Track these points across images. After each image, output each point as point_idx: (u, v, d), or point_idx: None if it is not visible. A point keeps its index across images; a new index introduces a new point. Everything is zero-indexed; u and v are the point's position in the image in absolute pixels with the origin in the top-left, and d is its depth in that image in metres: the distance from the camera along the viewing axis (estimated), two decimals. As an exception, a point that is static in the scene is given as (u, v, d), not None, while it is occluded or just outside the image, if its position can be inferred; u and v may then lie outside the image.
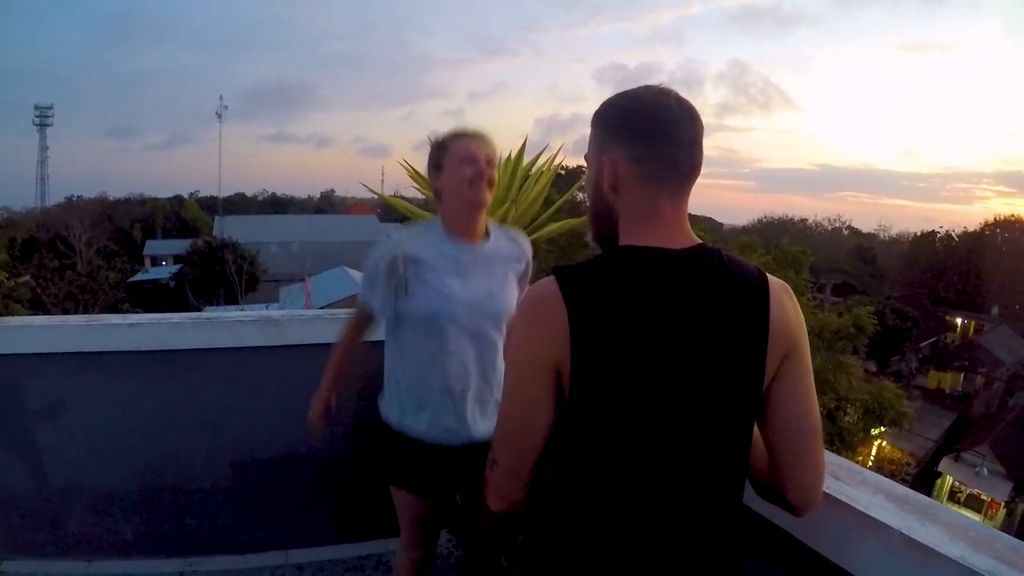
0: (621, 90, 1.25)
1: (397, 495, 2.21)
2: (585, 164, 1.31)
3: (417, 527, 2.24)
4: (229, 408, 3.20)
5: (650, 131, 1.19)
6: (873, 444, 23.87)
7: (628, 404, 1.15)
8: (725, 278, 1.17)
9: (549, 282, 1.17)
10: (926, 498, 1.47)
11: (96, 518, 3.18)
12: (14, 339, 3.02)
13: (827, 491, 1.41)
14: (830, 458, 1.63)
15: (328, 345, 2.66)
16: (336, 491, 3.29)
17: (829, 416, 14.18)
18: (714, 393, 1.17)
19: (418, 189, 3.43)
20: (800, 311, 1.28)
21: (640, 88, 1.23)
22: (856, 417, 14.53)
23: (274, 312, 3.39)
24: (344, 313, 3.16)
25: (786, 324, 1.20)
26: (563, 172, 29.47)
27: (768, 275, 1.23)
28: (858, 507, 1.38)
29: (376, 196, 3.40)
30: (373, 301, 2.09)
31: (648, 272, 1.16)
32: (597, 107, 1.27)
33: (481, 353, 2.04)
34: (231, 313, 3.39)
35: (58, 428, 3.07)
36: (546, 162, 3.35)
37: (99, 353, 3.05)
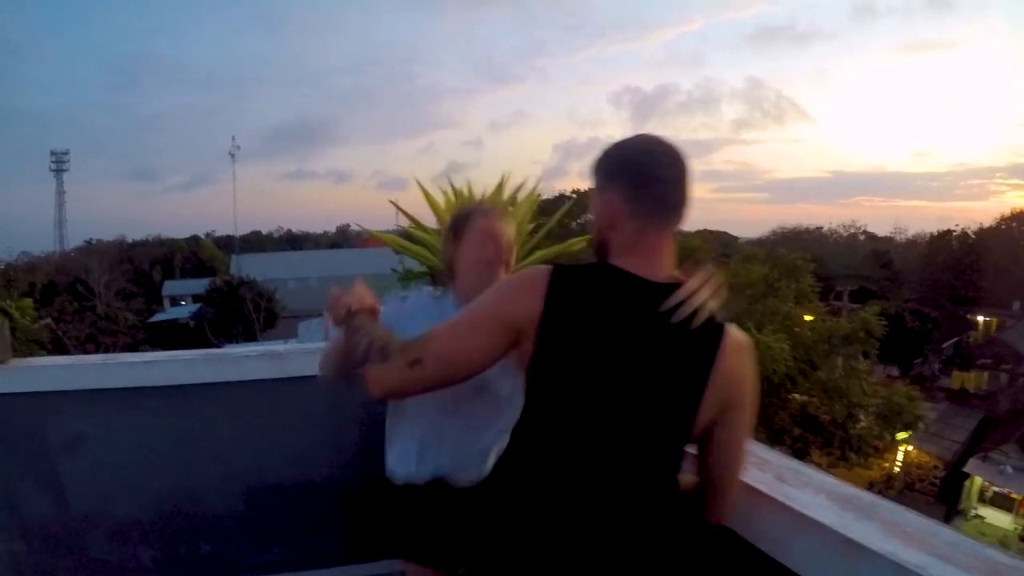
0: (628, 135, 1.47)
1: (407, 568, 2.24)
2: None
3: None
4: (240, 438, 3.34)
5: (640, 175, 1.40)
6: (898, 449, 23.62)
7: (573, 394, 1.36)
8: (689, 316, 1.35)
9: (544, 269, 1.38)
10: (871, 497, 1.54)
11: (115, 545, 3.32)
12: (36, 378, 3.18)
13: (769, 493, 1.53)
14: (778, 460, 1.76)
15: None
16: (344, 515, 3.41)
17: (841, 425, 14.10)
18: (647, 412, 1.37)
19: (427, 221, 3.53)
20: (752, 371, 1.46)
21: (633, 137, 1.46)
22: (869, 423, 14.43)
23: (278, 346, 3.54)
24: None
25: (731, 379, 1.40)
26: (575, 195, 29.45)
27: (732, 330, 1.42)
28: (797, 507, 1.47)
29: (399, 228, 3.50)
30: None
31: (622, 290, 1.36)
32: (599, 153, 1.48)
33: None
34: (239, 348, 3.54)
35: (79, 460, 3.22)
36: (526, 197, 3.47)
37: (116, 389, 3.20)
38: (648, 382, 1.36)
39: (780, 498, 1.52)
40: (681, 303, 1.35)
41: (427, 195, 3.46)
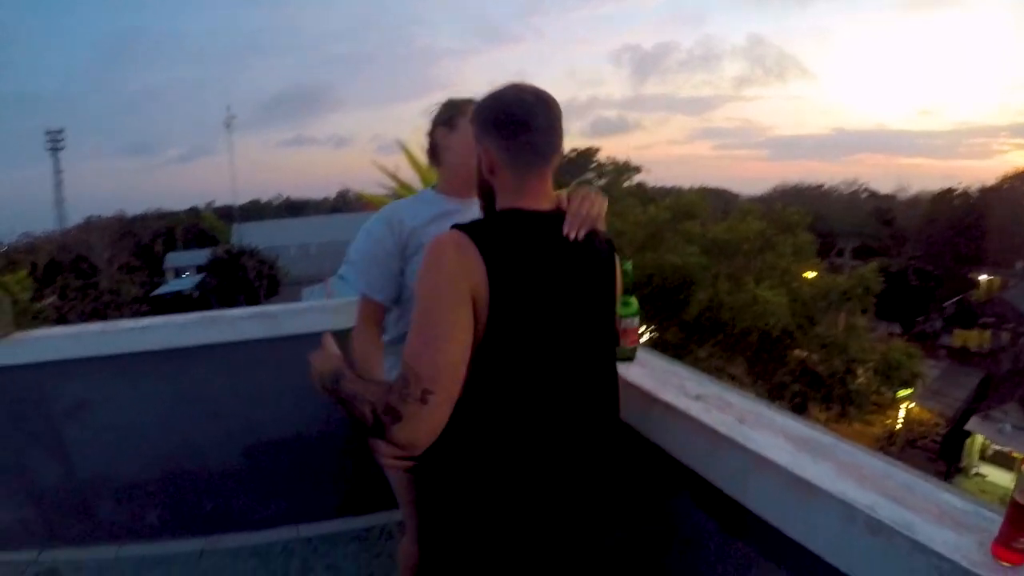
0: (500, 88, 1.55)
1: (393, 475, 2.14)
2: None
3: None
4: (237, 397, 3.44)
5: (512, 125, 1.48)
6: (900, 407, 23.69)
7: (534, 328, 1.46)
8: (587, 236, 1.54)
9: (458, 233, 1.42)
10: (830, 439, 1.60)
11: (123, 506, 3.45)
12: (38, 348, 3.29)
13: (728, 434, 1.60)
14: (741, 403, 1.83)
15: (320, 334, 2.94)
16: (341, 468, 3.52)
17: (840, 379, 14.13)
18: (593, 323, 1.57)
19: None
20: None
21: (504, 87, 1.53)
22: (868, 379, 14.47)
23: (270, 307, 3.61)
24: (335, 303, 3.40)
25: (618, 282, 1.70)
26: (575, 155, 29.25)
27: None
28: (753, 447, 1.52)
29: (390, 190, 3.52)
30: (373, 288, 2.01)
31: (533, 228, 1.50)
32: (476, 103, 1.57)
33: None
34: (232, 311, 3.62)
35: (83, 426, 3.34)
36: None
37: (115, 355, 3.30)
38: (584, 299, 1.54)
39: (739, 439, 1.57)
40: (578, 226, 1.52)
41: (410, 156, 3.50)
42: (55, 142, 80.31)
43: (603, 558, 1.62)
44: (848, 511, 1.27)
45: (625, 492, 1.74)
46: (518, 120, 1.47)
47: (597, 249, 1.59)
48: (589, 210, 1.55)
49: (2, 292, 3.22)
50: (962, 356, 32.01)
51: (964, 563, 1.09)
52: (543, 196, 1.55)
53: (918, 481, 1.38)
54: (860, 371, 14.47)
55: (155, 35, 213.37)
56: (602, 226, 1.67)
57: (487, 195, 1.59)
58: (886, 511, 1.24)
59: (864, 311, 15.54)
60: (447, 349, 1.35)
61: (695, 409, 1.78)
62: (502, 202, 1.55)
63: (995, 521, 1.18)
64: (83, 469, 3.41)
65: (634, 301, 2.12)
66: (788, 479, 1.42)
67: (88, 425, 3.36)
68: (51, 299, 27.22)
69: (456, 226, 1.46)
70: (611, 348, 1.67)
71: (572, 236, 1.50)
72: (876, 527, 1.22)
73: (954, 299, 38.32)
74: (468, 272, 1.38)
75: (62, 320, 25.56)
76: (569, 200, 1.57)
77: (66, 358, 3.29)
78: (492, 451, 1.48)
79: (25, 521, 3.44)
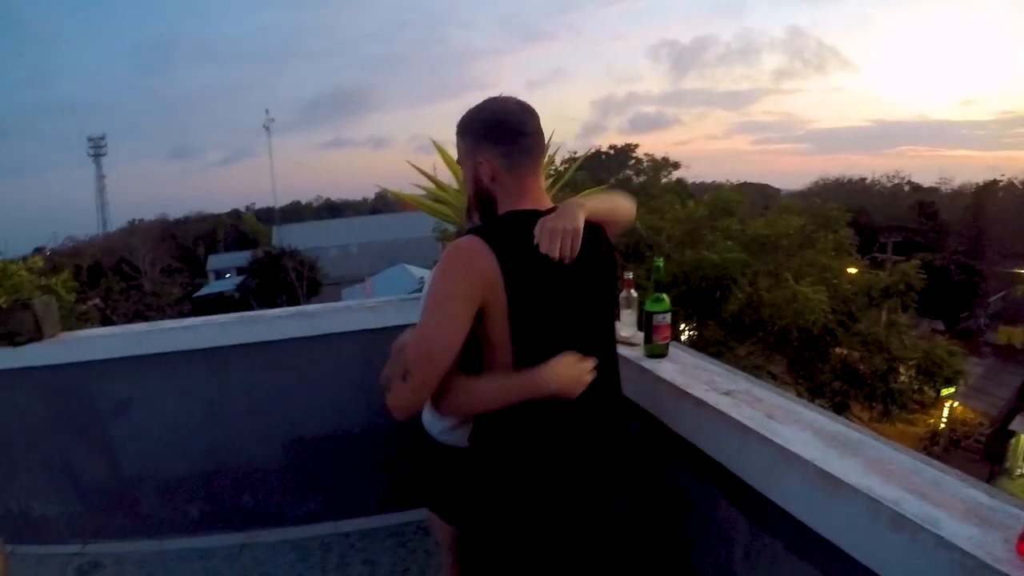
0: (485, 98, 1.70)
1: (432, 518, 2.26)
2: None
3: (452, 550, 2.25)
4: (277, 394, 3.50)
5: (508, 132, 1.62)
6: (944, 406, 23.24)
7: (553, 324, 1.59)
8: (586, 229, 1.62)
9: (476, 240, 1.53)
10: (858, 435, 1.60)
11: (165, 501, 3.53)
12: (84, 348, 3.38)
13: (756, 428, 1.61)
14: (771, 399, 1.84)
15: (358, 332, 3.26)
16: (379, 465, 3.57)
17: (882, 377, 13.90)
18: (597, 309, 1.69)
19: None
20: None
21: (489, 101, 1.68)
22: (909, 377, 14.23)
23: (309, 306, 3.68)
24: (372, 302, 3.46)
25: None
26: (612, 152, 29.08)
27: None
28: (780, 442, 1.54)
29: (423, 190, 3.54)
30: None
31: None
32: (462, 121, 1.69)
33: None
34: (272, 310, 3.69)
35: (128, 423, 3.43)
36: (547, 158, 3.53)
37: (159, 354, 3.38)
38: (590, 289, 1.66)
39: (767, 434, 1.59)
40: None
41: (443, 154, 3.53)
42: (97, 148, 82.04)
43: (616, 526, 1.76)
44: (874, 507, 1.28)
45: (631, 462, 1.87)
46: (513, 127, 1.62)
47: (598, 243, 1.69)
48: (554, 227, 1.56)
49: (49, 295, 3.31)
50: (1007, 354, 31.27)
51: (988, 559, 1.09)
52: (541, 195, 1.69)
53: (945, 477, 1.38)
54: (902, 369, 14.23)
55: (194, 40, 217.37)
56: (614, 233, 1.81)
57: (486, 204, 1.70)
58: (912, 507, 1.25)
59: (906, 308, 15.23)
60: (436, 343, 1.51)
61: (724, 404, 1.80)
62: (505, 206, 1.66)
63: (1021, 518, 1.19)
64: (127, 465, 3.50)
65: (665, 298, 2.14)
66: (815, 474, 1.43)
67: (132, 422, 3.45)
68: (95, 301, 27.76)
69: (472, 231, 1.57)
70: (612, 333, 1.79)
71: (553, 255, 1.54)
72: (901, 523, 1.23)
73: (999, 295, 37.53)
74: (482, 277, 1.51)
75: (106, 321, 26.08)
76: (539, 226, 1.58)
77: (111, 357, 3.38)
78: (524, 429, 1.63)
79: (70, 515, 3.54)
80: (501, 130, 1.62)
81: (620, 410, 1.79)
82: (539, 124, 1.67)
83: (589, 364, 1.60)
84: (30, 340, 3.30)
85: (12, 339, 3.29)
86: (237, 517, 3.59)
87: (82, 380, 3.41)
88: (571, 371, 1.57)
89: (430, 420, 2.09)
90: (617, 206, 1.81)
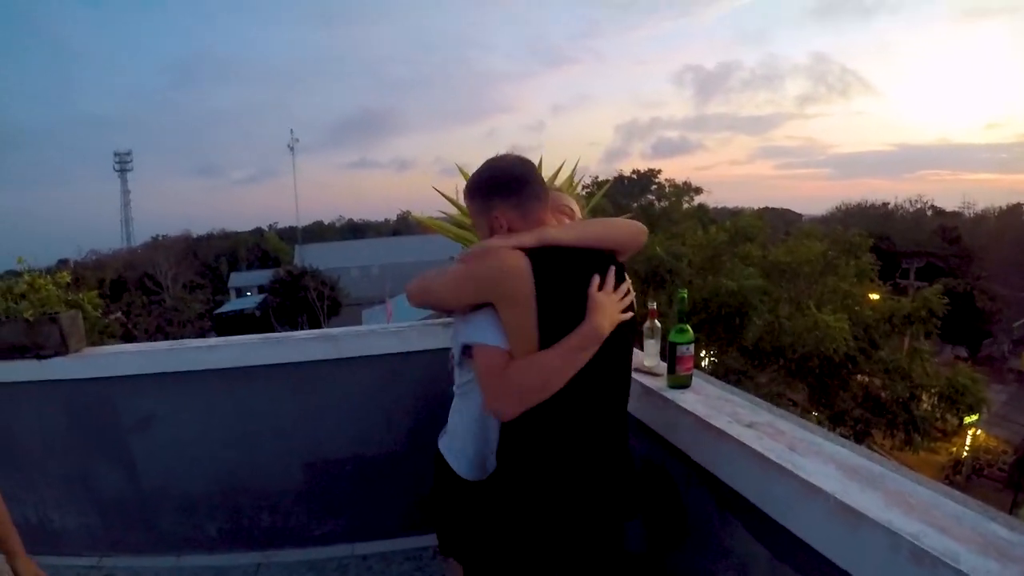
0: (495, 155, 1.90)
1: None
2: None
3: None
4: (299, 416, 3.51)
5: (514, 185, 1.79)
6: (966, 433, 22.94)
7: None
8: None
9: (522, 258, 1.69)
10: (880, 468, 1.59)
11: (184, 517, 3.55)
12: (109, 363, 3.42)
13: (778, 461, 1.61)
14: (793, 431, 1.84)
15: (381, 356, 3.28)
16: (398, 488, 3.57)
17: (904, 405, 13.77)
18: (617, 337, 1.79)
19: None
20: None
21: (490, 161, 1.86)
22: (932, 405, 14.09)
23: (333, 329, 3.71)
24: (396, 327, 3.48)
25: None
26: (635, 177, 29.07)
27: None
28: (802, 475, 1.53)
29: (446, 215, 3.57)
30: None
31: (561, 258, 1.74)
32: (469, 184, 1.87)
33: None
34: (296, 332, 3.73)
35: (149, 439, 3.46)
36: (564, 181, 3.54)
37: (182, 372, 3.42)
38: None
39: (788, 466, 1.59)
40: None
41: (467, 177, 3.55)
42: (123, 163, 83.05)
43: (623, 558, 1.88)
44: (894, 540, 1.28)
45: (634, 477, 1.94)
46: (518, 179, 1.79)
47: (617, 268, 1.82)
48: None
49: (76, 309, 3.36)
50: (1031, 380, 30.88)
51: (1006, 594, 1.09)
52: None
53: (966, 511, 1.37)
54: (924, 397, 14.11)
55: (221, 59, 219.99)
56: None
57: None
58: (931, 540, 1.25)
59: (928, 334, 15.11)
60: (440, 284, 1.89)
61: (747, 436, 1.80)
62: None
63: (1041, 552, 1.18)
64: (147, 481, 3.53)
65: (689, 329, 2.15)
66: (836, 507, 1.43)
67: (154, 438, 3.48)
68: (117, 315, 28.01)
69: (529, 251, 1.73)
70: (628, 356, 1.91)
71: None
72: (921, 556, 1.23)
73: (1023, 320, 37.09)
74: (522, 285, 1.69)
75: (127, 335, 26.29)
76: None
77: (135, 373, 3.42)
78: (548, 461, 1.78)
79: (88, 528, 3.57)
80: (508, 184, 1.79)
81: (624, 436, 1.91)
82: (538, 172, 1.84)
83: (619, 294, 1.78)
84: (56, 354, 3.35)
85: (38, 352, 3.33)
86: (255, 536, 3.60)
87: (105, 395, 3.44)
88: (612, 305, 1.75)
89: (447, 448, 2.10)
90: (610, 233, 1.88)
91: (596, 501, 1.80)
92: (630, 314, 1.80)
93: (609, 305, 1.73)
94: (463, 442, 2.02)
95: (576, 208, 2.12)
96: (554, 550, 1.80)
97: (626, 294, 1.80)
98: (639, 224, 1.93)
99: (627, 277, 1.86)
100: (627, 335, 1.83)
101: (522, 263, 1.68)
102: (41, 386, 3.38)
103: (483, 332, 1.75)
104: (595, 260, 1.79)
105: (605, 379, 1.79)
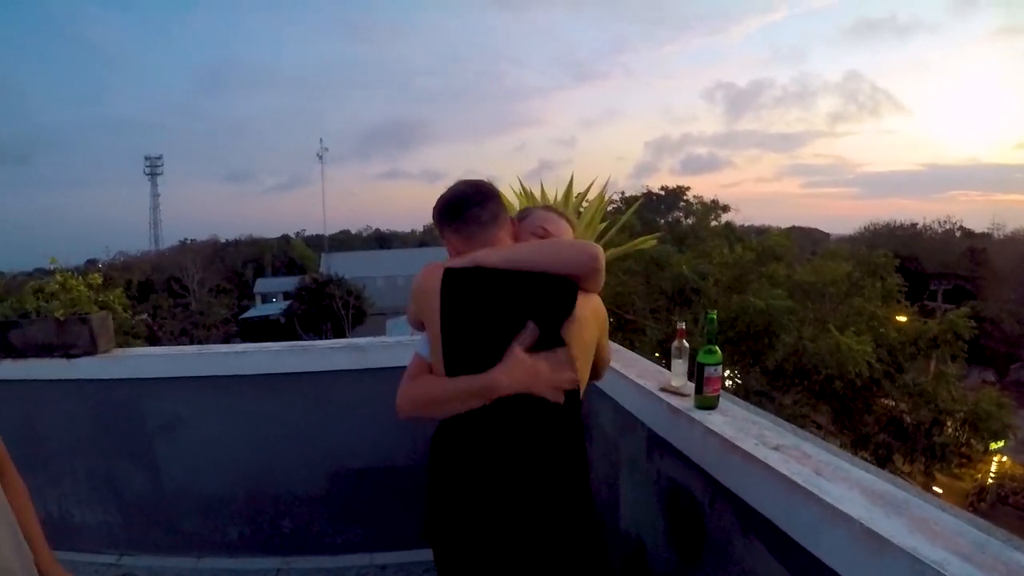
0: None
1: None
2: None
3: None
4: (323, 424, 3.55)
5: (455, 213, 1.84)
6: (992, 459, 22.58)
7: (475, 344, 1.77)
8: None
9: (435, 278, 1.78)
10: (904, 494, 1.57)
11: (205, 520, 3.60)
12: (137, 366, 3.48)
13: (804, 485, 1.60)
14: (819, 455, 1.83)
15: (406, 368, 3.05)
16: (419, 499, 3.58)
17: (926, 431, 13.61)
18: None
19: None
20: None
21: (449, 188, 1.90)
22: (956, 430, 13.92)
23: (360, 340, 3.74)
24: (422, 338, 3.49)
25: None
26: (663, 193, 29.00)
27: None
28: (828, 500, 1.52)
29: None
30: None
31: (477, 279, 1.77)
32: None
33: None
34: (322, 342, 3.76)
35: (174, 441, 3.51)
36: (595, 199, 3.55)
37: (210, 377, 3.47)
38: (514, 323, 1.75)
39: (814, 490, 1.58)
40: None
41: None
42: (154, 167, 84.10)
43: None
44: (918, 567, 1.27)
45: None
46: (456, 205, 1.84)
47: (524, 284, 1.78)
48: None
49: (106, 311, 3.42)
50: (1062, 405, 30.33)
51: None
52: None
53: (990, 540, 1.36)
54: (948, 422, 13.93)
55: (252, 67, 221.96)
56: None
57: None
58: (955, 568, 1.24)
59: (954, 357, 14.91)
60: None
61: (773, 459, 1.79)
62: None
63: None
64: (170, 482, 3.58)
65: (718, 350, 2.15)
66: (861, 532, 1.42)
67: (178, 440, 3.53)
68: (143, 316, 28.28)
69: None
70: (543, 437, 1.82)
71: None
72: (944, 584, 1.21)
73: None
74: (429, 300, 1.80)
75: (152, 337, 26.53)
76: None
77: (163, 376, 3.48)
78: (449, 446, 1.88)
79: (109, 525, 3.63)
80: (448, 211, 1.85)
81: (543, 447, 1.80)
82: (489, 195, 1.87)
83: (545, 366, 1.69)
84: (85, 354, 3.41)
85: (67, 351, 3.40)
86: (275, 541, 3.62)
87: (132, 396, 3.50)
88: (526, 370, 1.68)
89: None
90: (542, 257, 1.83)
91: (496, 524, 1.78)
92: (553, 398, 1.72)
93: (521, 368, 1.68)
94: None
95: (562, 229, 2.10)
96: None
97: (561, 364, 1.72)
98: (589, 247, 1.86)
99: (572, 339, 1.78)
100: (544, 413, 1.75)
101: (431, 283, 1.79)
102: (69, 385, 3.45)
103: (421, 342, 1.95)
104: (532, 284, 1.76)
105: (511, 430, 1.76)
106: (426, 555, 3.52)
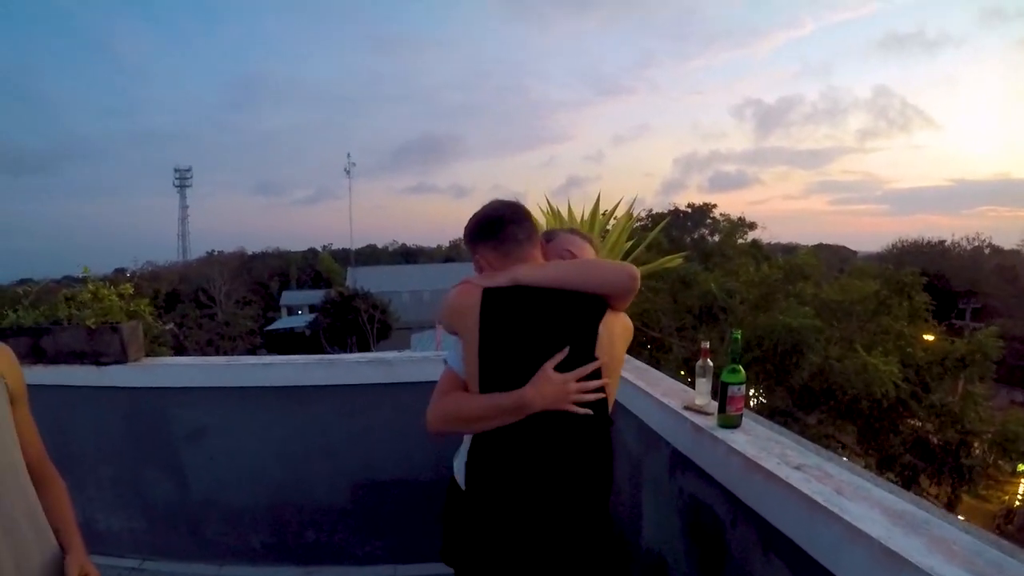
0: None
1: None
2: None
3: None
4: (349, 436, 3.60)
5: (494, 230, 1.89)
6: (1020, 482, 22.20)
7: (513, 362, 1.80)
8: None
9: (473, 296, 1.80)
10: (925, 514, 1.59)
11: (229, 528, 3.64)
12: (166, 374, 3.54)
13: (824, 504, 1.62)
14: (840, 474, 1.83)
15: (433, 383, 3.07)
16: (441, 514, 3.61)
17: (953, 452, 13.42)
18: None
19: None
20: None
21: (484, 207, 1.96)
22: (984, 451, 13.72)
23: (387, 354, 3.78)
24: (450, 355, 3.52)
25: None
26: (690, 210, 28.90)
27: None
28: (848, 519, 1.53)
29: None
30: None
31: (518, 297, 1.79)
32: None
33: None
34: (350, 355, 3.81)
35: (200, 450, 3.56)
36: (621, 217, 3.57)
37: (237, 388, 3.52)
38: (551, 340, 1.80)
39: (835, 510, 1.59)
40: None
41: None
42: (183, 179, 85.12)
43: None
44: (935, 587, 1.27)
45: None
46: (495, 222, 1.90)
47: (563, 304, 1.82)
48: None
49: (136, 320, 3.50)
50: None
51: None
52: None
53: (1009, 560, 1.37)
54: (975, 443, 13.73)
55: (281, 80, 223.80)
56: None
57: None
58: (971, 588, 1.24)
59: (982, 378, 14.69)
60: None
61: (795, 479, 1.80)
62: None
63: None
64: (195, 490, 3.63)
65: (742, 370, 2.16)
66: (880, 551, 1.43)
67: (205, 449, 3.58)
68: (170, 326, 28.57)
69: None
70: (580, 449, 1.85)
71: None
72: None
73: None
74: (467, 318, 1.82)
75: (179, 347, 26.78)
76: None
77: (191, 386, 3.53)
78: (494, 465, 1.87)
79: (133, 531, 3.69)
80: (486, 229, 1.90)
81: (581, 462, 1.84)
82: (522, 215, 1.92)
83: (573, 383, 1.74)
84: (115, 362, 3.47)
85: (98, 359, 3.46)
86: (298, 552, 3.66)
87: (160, 404, 3.56)
88: (555, 388, 1.72)
89: (456, 461, 2.28)
90: (576, 276, 1.87)
91: (536, 539, 1.80)
92: (582, 410, 1.76)
93: (551, 386, 1.72)
94: (463, 456, 2.10)
95: (587, 250, 2.14)
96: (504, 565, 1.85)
97: (589, 382, 1.77)
98: (626, 267, 1.89)
99: (607, 357, 1.83)
100: (579, 427, 1.80)
101: (470, 301, 1.80)
102: (98, 391, 3.51)
103: (452, 355, 1.98)
104: (568, 303, 1.80)
105: (547, 448, 1.79)
106: (447, 569, 3.56)
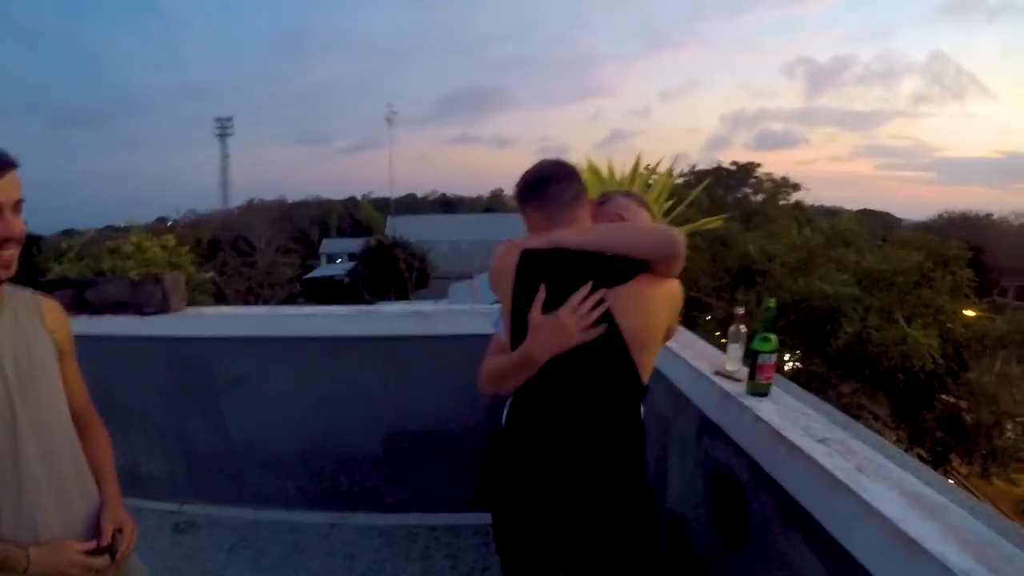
0: None
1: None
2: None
3: None
4: (384, 387, 3.68)
5: (537, 191, 1.86)
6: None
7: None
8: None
9: (511, 257, 1.85)
10: (943, 499, 1.58)
11: (266, 474, 3.77)
12: (208, 324, 3.66)
13: (844, 480, 1.63)
14: (864, 452, 1.85)
15: (468, 336, 3.22)
16: (473, 465, 3.66)
17: (986, 433, 13.24)
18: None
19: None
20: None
21: (533, 166, 1.91)
22: (1017, 434, 13.51)
23: (425, 306, 3.84)
24: (486, 308, 3.56)
25: None
26: (734, 168, 28.35)
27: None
28: (865, 496, 1.55)
29: None
30: None
31: (552, 259, 1.79)
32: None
33: None
34: (388, 307, 3.88)
35: (241, 398, 3.67)
36: (660, 177, 3.56)
37: (277, 338, 3.62)
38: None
39: (853, 486, 1.60)
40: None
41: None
42: (224, 128, 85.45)
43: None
44: (944, 573, 1.30)
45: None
46: (538, 182, 1.87)
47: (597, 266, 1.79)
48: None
49: (179, 271, 3.60)
50: None
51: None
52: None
53: (1020, 554, 1.37)
54: (1009, 425, 13.53)
55: (327, 31, 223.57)
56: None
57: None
58: (981, 578, 1.26)
59: (1020, 360, 14.40)
60: None
61: (818, 452, 1.81)
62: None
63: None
64: (235, 436, 3.76)
65: (774, 338, 2.15)
66: (893, 533, 1.45)
67: (244, 398, 3.69)
68: (210, 274, 28.91)
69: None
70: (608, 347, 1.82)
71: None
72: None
73: None
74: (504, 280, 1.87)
75: (219, 294, 27.13)
76: None
77: (233, 335, 3.64)
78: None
79: (174, 476, 3.83)
80: (530, 189, 1.87)
81: (605, 412, 1.87)
82: (570, 174, 1.89)
83: (566, 315, 1.73)
84: (158, 312, 3.58)
85: (141, 309, 3.56)
86: (331, 498, 3.78)
87: (202, 353, 3.67)
88: (549, 329, 1.74)
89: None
90: (614, 240, 1.83)
91: (566, 486, 1.86)
92: (593, 333, 1.75)
93: (543, 330, 1.74)
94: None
95: (642, 216, 2.11)
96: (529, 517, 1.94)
97: (591, 307, 1.74)
98: (670, 231, 1.85)
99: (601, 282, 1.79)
100: (593, 354, 1.79)
101: (508, 262, 1.85)
102: (142, 341, 3.62)
103: (497, 320, 2.04)
104: (604, 266, 1.76)
105: (572, 386, 1.83)
106: (475, 519, 3.65)
